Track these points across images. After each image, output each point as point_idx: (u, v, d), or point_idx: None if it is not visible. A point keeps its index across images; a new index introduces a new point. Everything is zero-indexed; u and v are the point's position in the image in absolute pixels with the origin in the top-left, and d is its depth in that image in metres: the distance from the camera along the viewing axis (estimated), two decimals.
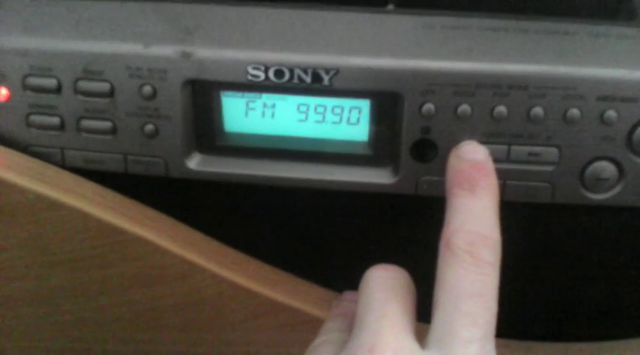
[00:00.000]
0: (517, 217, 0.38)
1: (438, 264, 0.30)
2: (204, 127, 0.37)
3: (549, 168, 0.35)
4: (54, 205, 0.36)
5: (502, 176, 0.35)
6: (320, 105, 0.37)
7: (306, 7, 0.37)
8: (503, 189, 0.35)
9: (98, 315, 0.40)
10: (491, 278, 0.29)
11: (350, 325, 0.33)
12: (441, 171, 0.35)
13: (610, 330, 0.44)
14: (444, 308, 0.29)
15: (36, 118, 0.37)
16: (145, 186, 0.39)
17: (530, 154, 0.35)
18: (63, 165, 0.38)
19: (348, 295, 0.40)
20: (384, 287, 0.32)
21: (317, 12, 0.37)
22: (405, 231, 0.41)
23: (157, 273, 0.38)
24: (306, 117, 0.37)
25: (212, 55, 0.34)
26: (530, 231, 0.40)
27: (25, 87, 0.36)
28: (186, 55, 0.34)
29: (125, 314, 0.40)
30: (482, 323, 0.28)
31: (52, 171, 0.37)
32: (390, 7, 0.38)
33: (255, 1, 0.37)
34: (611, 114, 0.33)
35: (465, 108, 0.34)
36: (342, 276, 0.39)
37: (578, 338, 0.45)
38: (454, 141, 0.35)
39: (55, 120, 0.37)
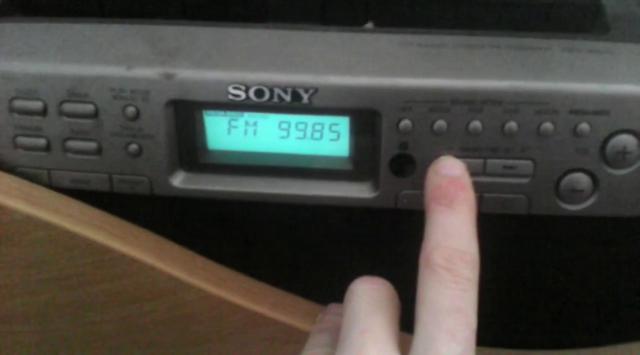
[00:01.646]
0: (506, 228, 0.39)
1: (418, 280, 0.30)
2: (188, 146, 0.38)
3: (525, 180, 0.36)
4: (42, 225, 0.37)
5: (479, 189, 0.35)
6: (301, 123, 0.37)
7: (285, 27, 0.38)
8: (481, 201, 0.36)
9: (88, 332, 0.41)
10: (469, 293, 0.30)
11: (335, 339, 0.33)
12: (420, 185, 0.36)
13: (599, 335, 0.45)
14: (424, 325, 0.29)
15: (23, 140, 0.38)
16: (130, 204, 0.39)
17: (505, 167, 0.35)
18: (50, 185, 0.39)
19: (333, 308, 0.40)
20: (369, 300, 0.32)
21: (296, 32, 0.37)
22: (388, 243, 0.42)
23: (144, 290, 0.39)
24: (288, 134, 0.38)
25: (193, 75, 0.35)
26: (517, 241, 0.41)
27: (12, 110, 0.37)
28: (168, 76, 0.35)
29: (114, 330, 0.41)
30: (462, 338, 0.29)
31: (39, 191, 0.38)
32: (369, 25, 0.39)
33: (234, 23, 0.38)
34: (584, 127, 0.34)
35: (441, 123, 0.35)
36: (327, 289, 0.40)
37: (570, 345, 0.46)
38: (432, 156, 0.35)
39: (42, 142, 0.37)
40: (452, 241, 0.31)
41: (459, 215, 0.32)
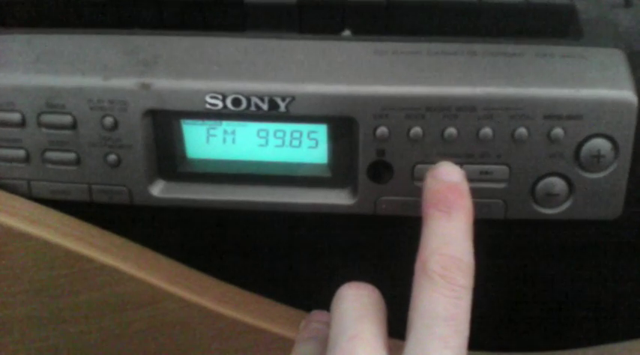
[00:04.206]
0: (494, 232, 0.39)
1: (413, 285, 0.30)
2: (167, 155, 0.38)
3: (501, 185, 0.36)
4: (21, 236, 0.37)
5: None
6: (279, 130, 0.38)
7: (262, 36, 0.38)
8: None
9: (70, 342, 0.41)
10: (464, 301, 0.30)
11: (322, 348, 0.33)
12: (398, 191, 0.36)
13: (588, 336, 0.45)
14: (417, 331, 0.29)
15: (1, 152, 0.38)
16: (111, 214, 0.39)
17: (481, 173, 0.36)
18: (30, 196, 0.39)
19: (316, 315, 0.40)
20: (357, 305, 0.32)
21: (273, 41, 0.38)
22: (371, 249, 0.42)
23: (124, 299, 0.39)
24: (267, 142, 0.38)
25: (170, 85, 0.35)
26: (500, 245, 0.41)
27: None
28: (145, 87, 0.35)
29: (96, 340, 0.41)
30: (455, 346, 0.29)
31: (18, 202, 0.38)
32: (347, 33, 0.40)
33: (211, 32, 0.38)
34: (558, 132, 0.35)
35: (416, 130, 0.35)
36: (310, 296, 0.40)
37: (560, 346, 0.46)
38: (408, 162, 0.36)
39: (21, 153, 0.38)
40: (449, 248, 0.31)
41: (457, 222, 0.32)
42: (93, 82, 0.36)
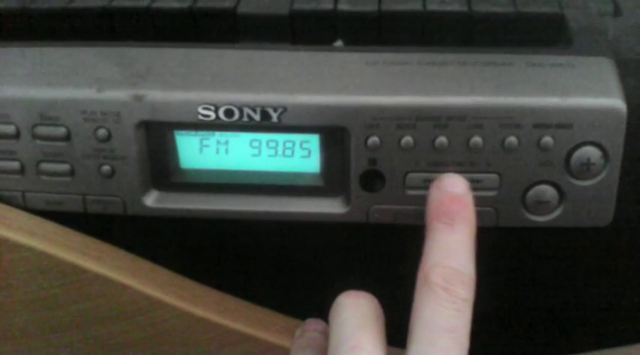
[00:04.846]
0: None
1: (414, 296, 0.31)
2: (160, 165, 0.38)
3: (491, 193, 0.36)
4: (16, 247, 0.37)
5: None
6: (272, 140, 0.38)
7: (255, 47, 0.38)
8: None
9: (64, 352, 0.41)
10: (465, 314, 0.30)
11: None
12: (390, 199, 0.37)
13: (583, 342, 0.46)
14: (418, 342, 0.30)
15: None
16: (105, 224, 0.40)
17: (472, 181, 0.36)
18: (24, 207, 0.39)
19: (311, 324, 0.40)
20: (356, 314, 0.32)
21: (266, 52, 0.38)
22: (364, 257, 0.42)
23: (119, 309, 0.39)
24: (259, 152, 0.38)
25: (163, 97, 0.36)
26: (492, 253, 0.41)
27: None
28: (138, 98, 0.36)
29: (92, 349, 0.41)
30: None
31: (13, 213, 0.38)
32: (339, 43, 0.40)
33: (204, 43, 0.39)
34: (547, 140, 0.35)
35: (407, 139, 0.35)
36: (304, 304, 0.40)
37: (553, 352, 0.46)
38: (400, 171, 0.36)
39: (15, 165, 0.38)
40: (451, 261, 0.31)
41: (459, 234, 0.32)
42: (86, 93, 0.36)
